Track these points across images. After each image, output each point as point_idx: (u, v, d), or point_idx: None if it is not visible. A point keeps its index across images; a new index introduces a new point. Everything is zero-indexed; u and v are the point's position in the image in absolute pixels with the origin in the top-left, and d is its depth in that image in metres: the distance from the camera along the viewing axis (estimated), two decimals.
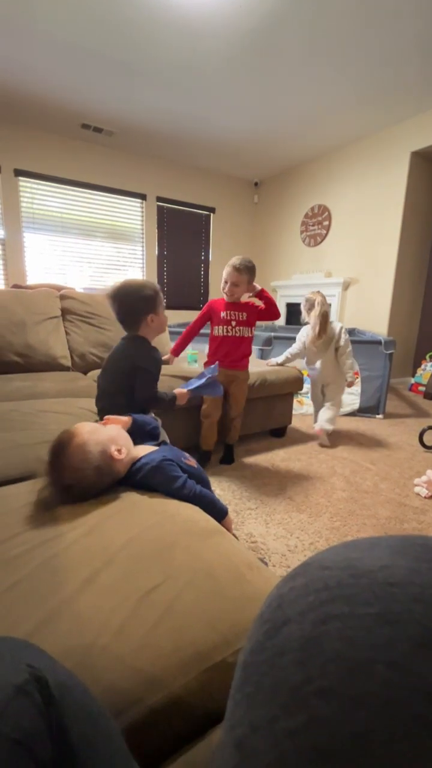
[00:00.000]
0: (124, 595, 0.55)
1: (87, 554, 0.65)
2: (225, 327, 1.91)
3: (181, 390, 1.50)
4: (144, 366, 1.33)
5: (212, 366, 1.64)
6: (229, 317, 1.90)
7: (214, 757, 0.20)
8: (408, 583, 0.17)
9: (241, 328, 1.91)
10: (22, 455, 1.05)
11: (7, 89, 3.06)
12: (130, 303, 1.33)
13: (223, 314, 1.91)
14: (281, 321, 4.82)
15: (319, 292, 2.34)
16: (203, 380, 1.56)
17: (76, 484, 0.82)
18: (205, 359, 2.04)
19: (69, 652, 0.46)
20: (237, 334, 1.91)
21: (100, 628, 0.50)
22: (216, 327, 1.94)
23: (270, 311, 1.92)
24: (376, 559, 0.19)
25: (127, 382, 1.33)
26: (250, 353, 2.01)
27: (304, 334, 2.36)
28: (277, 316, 1.95)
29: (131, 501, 0.83)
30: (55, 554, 0.65)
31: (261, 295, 1.92)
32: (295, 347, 2.41)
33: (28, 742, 0.29)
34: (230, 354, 1.92)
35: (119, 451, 0.89)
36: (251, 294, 1.92)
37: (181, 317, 4.23)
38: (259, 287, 1.92)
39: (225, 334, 1.91)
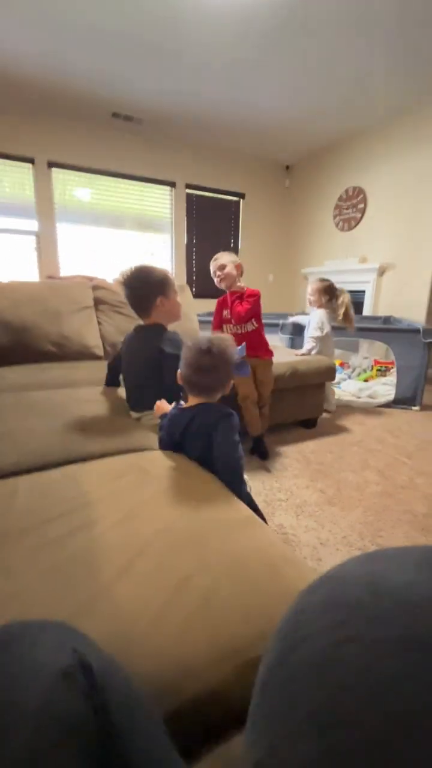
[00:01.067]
0: (160, 584, 0.56)
1: (122, 541, 0.66)
2: (227, 325, 1.97)
3: None
4: (169, 351, 1.30)
5: (239, 347, 1.62)
6: (229, 316, 1.95)
7: None
8: (430, 601, 0.16)
9: (241, 324, 1.93)
10: (59, 442, 1.08)
11: (41, 83, 3.10)
12: (140, 287, 1.35)
13: (225, 312, 1.98)
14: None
15: (328, 280, 2.53)
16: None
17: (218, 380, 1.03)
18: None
19: (107, 638, 0.46)
20: (239, 331, 1.93)
21: (137, 616, 0.50)
22: (225, 325, 2.01)
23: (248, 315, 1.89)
24: (401, 573, 0.18)
25: (157, 371, 1.31)
26: (263, 343, 1.99)
27: (323, 321, 2.44)
28: (241, 318, 1.89)
29: (164, 487, 0.84)
30: (91, 540, 0.66)
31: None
32: (317, 333, 2.42)
33: (75, 726, 0.29)
34: None
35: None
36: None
37: (210, 306, 4.19)
38: (244, 287, 1.91)
39: (229, 331, 1.95)
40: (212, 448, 0.97)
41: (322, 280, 2.52)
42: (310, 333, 2.49)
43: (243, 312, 1.86)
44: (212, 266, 1.94)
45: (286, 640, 0.19)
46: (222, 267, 1.89)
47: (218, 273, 1.90)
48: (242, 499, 0.92)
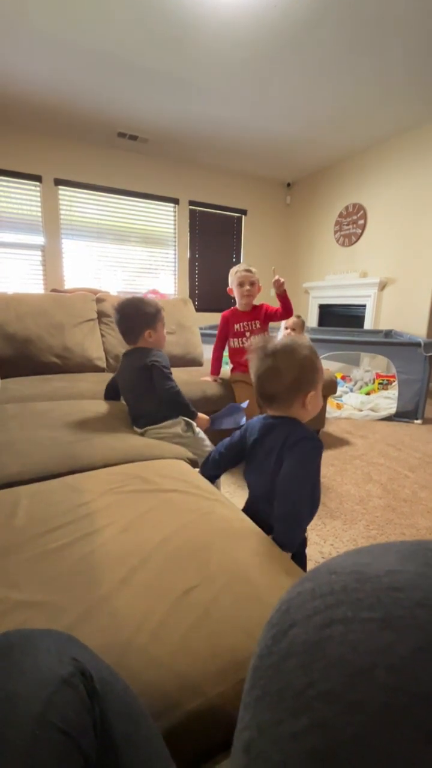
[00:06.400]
0: (160, 595, 0.55)
1: (123, 552, 0.65)
2: (240, 339, 1.93)
3: (203, 416, 1.47)
4: (154, 361, 1.37)
5: (243, 403, 1.57)
6: (243, 329, 1.92)
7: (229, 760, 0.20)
8: (413, 587, 0.17)
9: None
10: (61, 452, 1.08)
11: (50, 104, 3.20)
12: (131, 317, 1.41)
13: (236, 326, 1.92)
14: (314, 323, 4.73)
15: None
16: (227, 414, 1.51)
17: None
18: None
19: (107, 649, 0.46)
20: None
21: (137, 627, 0.50)
22: (232, 339, 1.95)
23: (285, 312, 1.87)
24: (385, 563, 0.19)
25: (150, 381, 1.37)
26: None
27: None
28: (290, 313, 1.89)
29: (166, 498, 0.84)
30: (92, 550, 0.66)
31: (284, 295, 1.83)
32: None
33: (74, 734, 0.29)
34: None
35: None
36: (279, 291, 1.81)
37: (212, 319, 4.24)
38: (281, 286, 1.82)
39: (241, 345, 1.92)
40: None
41: (300, 316, 2.53)
42: None
43: (282, 309, 1.83)
44: (240, 277, 1.84)
45: (276, 626, 0.20)
46: (253, 283, 1.85)
47: (248, 288, 1.84)
48: (288, 549, 0.75)
